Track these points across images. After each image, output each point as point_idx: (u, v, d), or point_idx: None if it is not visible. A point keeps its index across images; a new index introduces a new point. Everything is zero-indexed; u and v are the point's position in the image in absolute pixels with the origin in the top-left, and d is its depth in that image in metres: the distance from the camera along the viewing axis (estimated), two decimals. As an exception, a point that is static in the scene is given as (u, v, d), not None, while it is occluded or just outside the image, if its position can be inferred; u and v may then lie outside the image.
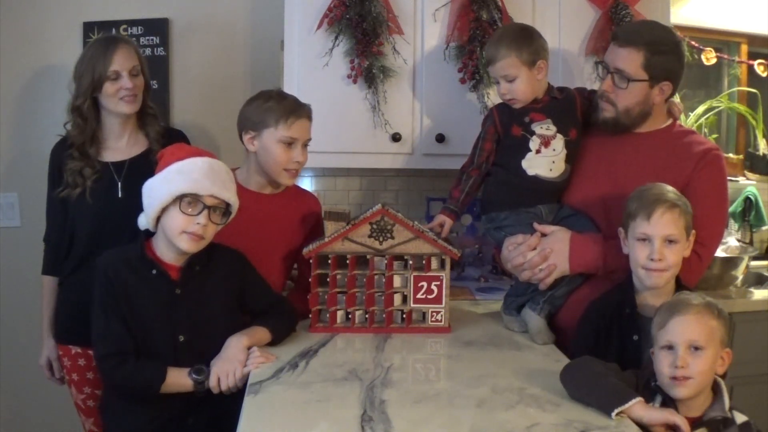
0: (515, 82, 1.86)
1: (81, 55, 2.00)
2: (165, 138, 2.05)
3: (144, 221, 1.68)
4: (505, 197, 1.92)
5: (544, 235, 1.86)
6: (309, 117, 1.94)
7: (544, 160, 1.87)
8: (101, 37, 2.14)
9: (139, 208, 1.69)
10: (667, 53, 1.82)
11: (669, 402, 1.41)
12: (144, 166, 1.89)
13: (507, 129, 1.90)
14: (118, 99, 1.96)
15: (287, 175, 1.93)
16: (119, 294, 1.63)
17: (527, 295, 1.92)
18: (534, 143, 1.86)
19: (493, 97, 2.30)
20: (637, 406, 1.35)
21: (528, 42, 1.87)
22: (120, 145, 2.04)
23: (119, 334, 1.62)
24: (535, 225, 1.88)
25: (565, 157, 1.88)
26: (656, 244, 1.59)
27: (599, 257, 1.81)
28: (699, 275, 1.81)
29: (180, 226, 1.61)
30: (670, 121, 1.93)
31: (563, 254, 1.82)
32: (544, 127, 1.87)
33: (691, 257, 1.69)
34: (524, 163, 1.87)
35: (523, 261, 1.85)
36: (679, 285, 1.65)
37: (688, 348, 1.39)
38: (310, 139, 1.95)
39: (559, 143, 1.87)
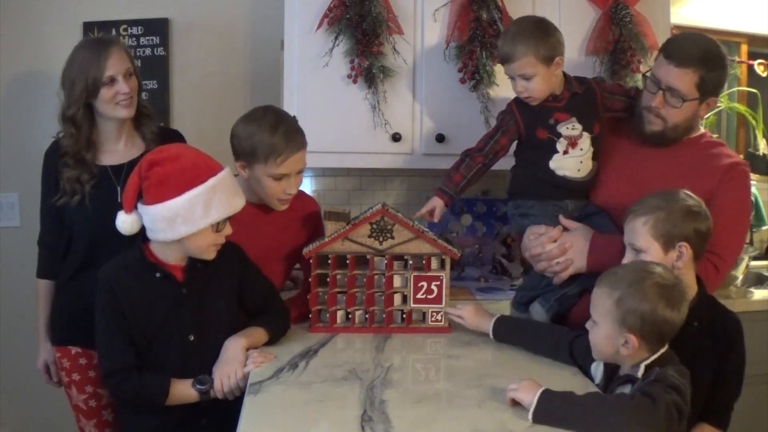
0: (532, 81, 1.82)
1: (69, 60, 1.90)
2: (161, 138, 2.01)
3: (129, 226, 1.62)
4: (534, 190, 1.90)
5: (566, 229, 1.85)
6: (302, 148, 1.85)
7: (572, 160, 1.85)
8: (89, 40, 2.04)
9: None
10: (717, 69, 1.79)
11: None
12: None
13: (531, 131, 1.87)
14: (115, 104, 1.90)
15: (279, 203, 1.91)
16: (123, 304, 1.61)
17: (539, 290, 1.92)
18: (561, 145, 1.84)
19: (493, 97, 2.30)
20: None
21: (545, 38, 1.81)
22: (117, 148, 1.99)
23: (121, 350, 1.61)
24: (561, 218, 1.86)
25: (592, 155, 1.87)
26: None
27: (616, 259, 1.80)
28: (715, 287, 1.79)
29: (211, 242, 1.63)
30: (701, 131, 1.92)
31: (582, 251, 1.81)
32: (570, 127, 1.84)
33: (708, 269, 1.68)
34: (552, 164, 1.86)
35: (541, 251, 1.85)
36: (701, 286, 1.61)
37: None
38: (305, 167, 1.90)
39: (585, 142, 1.85)
